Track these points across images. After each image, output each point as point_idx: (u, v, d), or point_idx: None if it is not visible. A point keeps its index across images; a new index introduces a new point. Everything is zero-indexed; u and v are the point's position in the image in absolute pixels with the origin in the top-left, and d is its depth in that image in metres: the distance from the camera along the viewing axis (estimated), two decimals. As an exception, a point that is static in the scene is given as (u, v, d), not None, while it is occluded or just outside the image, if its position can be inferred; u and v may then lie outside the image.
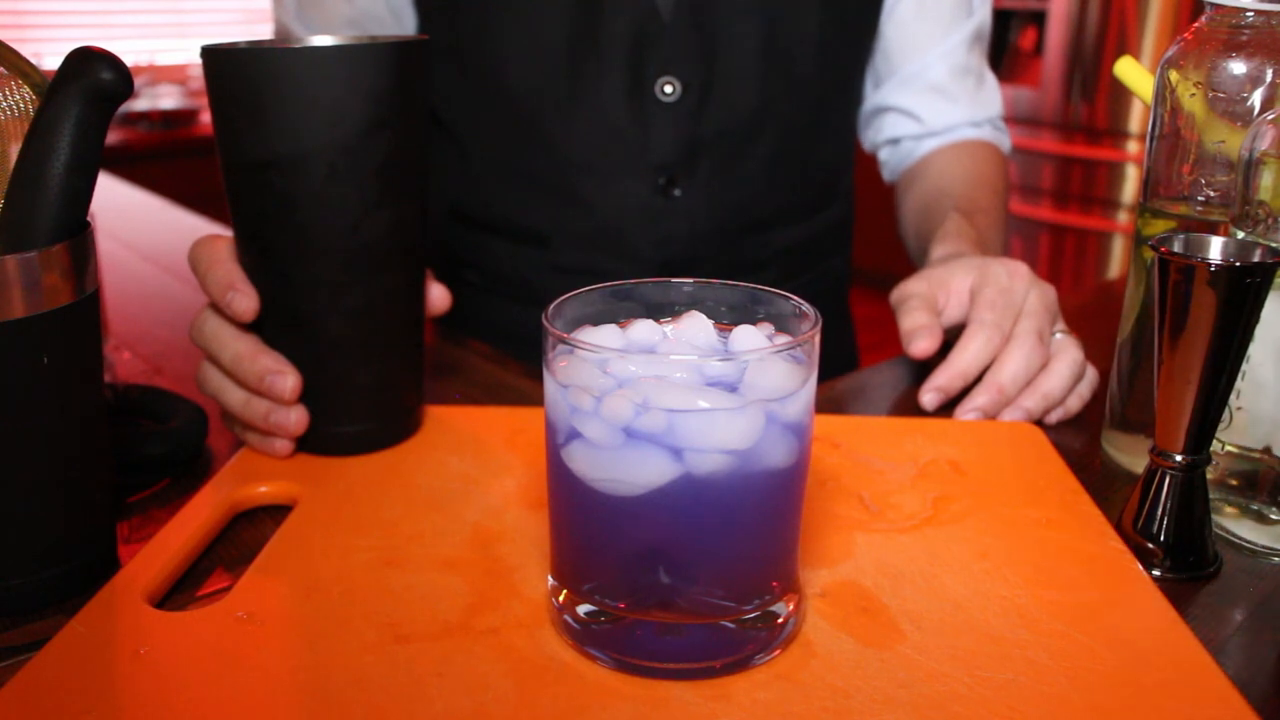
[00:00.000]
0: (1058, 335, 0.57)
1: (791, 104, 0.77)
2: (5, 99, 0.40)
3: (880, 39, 0.82)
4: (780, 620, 0.36)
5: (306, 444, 0.50)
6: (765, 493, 0.34)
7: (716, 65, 0.73)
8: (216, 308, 0.48)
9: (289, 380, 0.47)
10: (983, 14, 0.83)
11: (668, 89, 0.73)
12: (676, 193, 0.76)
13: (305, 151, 0.45)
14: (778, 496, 0.35)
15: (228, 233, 0.50)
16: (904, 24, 0.80)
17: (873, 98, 0.85)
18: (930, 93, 0.82)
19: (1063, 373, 0.55)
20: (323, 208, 0.46)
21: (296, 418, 0.48)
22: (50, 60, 0.41)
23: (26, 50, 0.40)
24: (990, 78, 0.85)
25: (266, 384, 0.47)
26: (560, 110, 0.73)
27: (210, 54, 0.45)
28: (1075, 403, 0.57)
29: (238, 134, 0.46)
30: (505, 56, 0.73)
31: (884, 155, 0.87)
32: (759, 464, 0.33)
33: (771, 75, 0.75)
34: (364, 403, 0.50)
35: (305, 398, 0.48)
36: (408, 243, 0.49)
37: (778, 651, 0.35)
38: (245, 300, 0.47)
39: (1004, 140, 0.86)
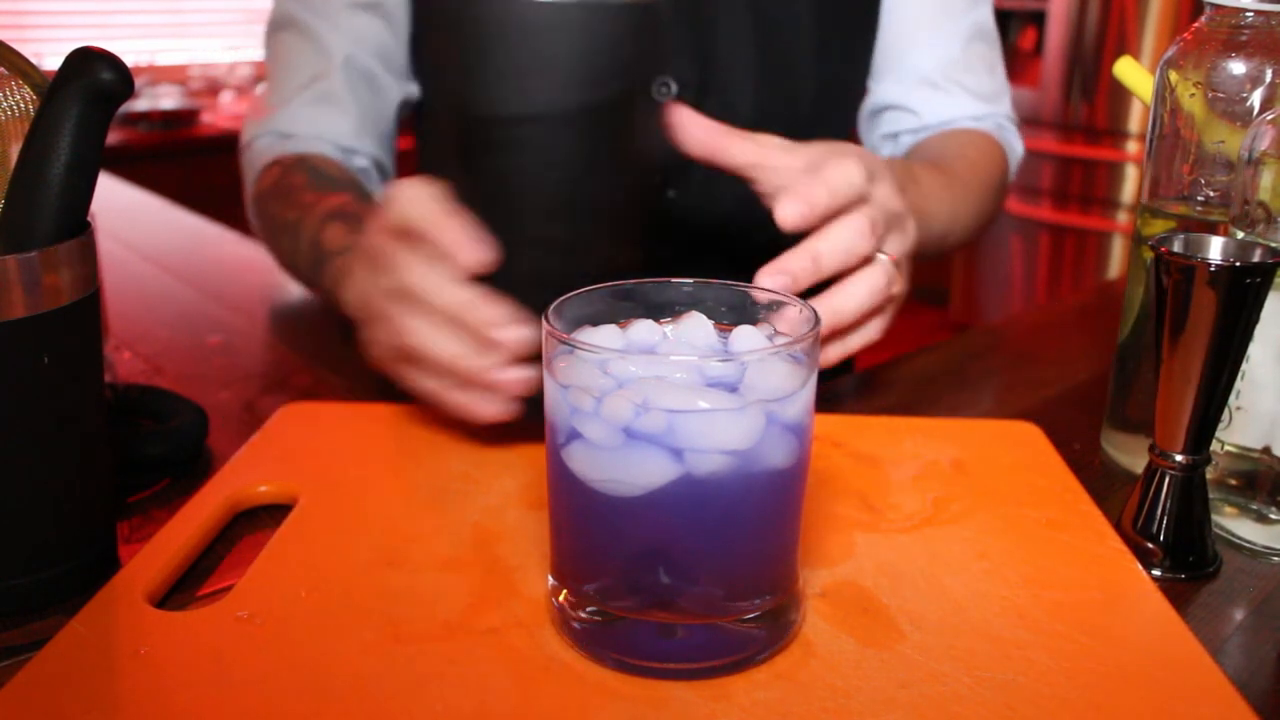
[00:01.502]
0: (880, 256, 0.52)
1: (789, 104, 0.77)
2: (6, 99, 0.40)
3: (879, 34, 0.81)
4: (780, 620, 0.36)
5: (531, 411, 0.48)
6: (766, 493, 0.34)
7: (713, 66, 0.73)
8: (428, 256, 0.45)
9: (522, 331, 0.43)
10: (981, 11, 0.82)
11: (663, 89, 0.73)
12: (671, 194, 0.76)
13: (578, 105, 0.44)
14: (778, 497, 0.35)
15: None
16: (899, 17, 0.80)
17: (872, 95, 0.84)
18: (924, 86, 0.81)
19: (857, 292, 0.50)
20: (583, 165, 0.45)
21: (521, 376, 0.44)
22: (51, 60, 0.41)
23: (27, 50, 0.40)
24: (999, 76, 0.83)
25: (496, 334, 0.43)
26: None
27: (494, 4, 0.44)
28: (856, 340, 0.52)
29: (499, 85, 0.44)
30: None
31: (885, 151, 0.87)
32: (759, 464, 0.33)
33: (768, 76, 0.75)
34: None
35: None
36: (644, 213, 0.48)
37: (778, 651, 0.35)
38: (483, 249, 0.43)
39: (1010, 139, 0.83)
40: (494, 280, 0.45)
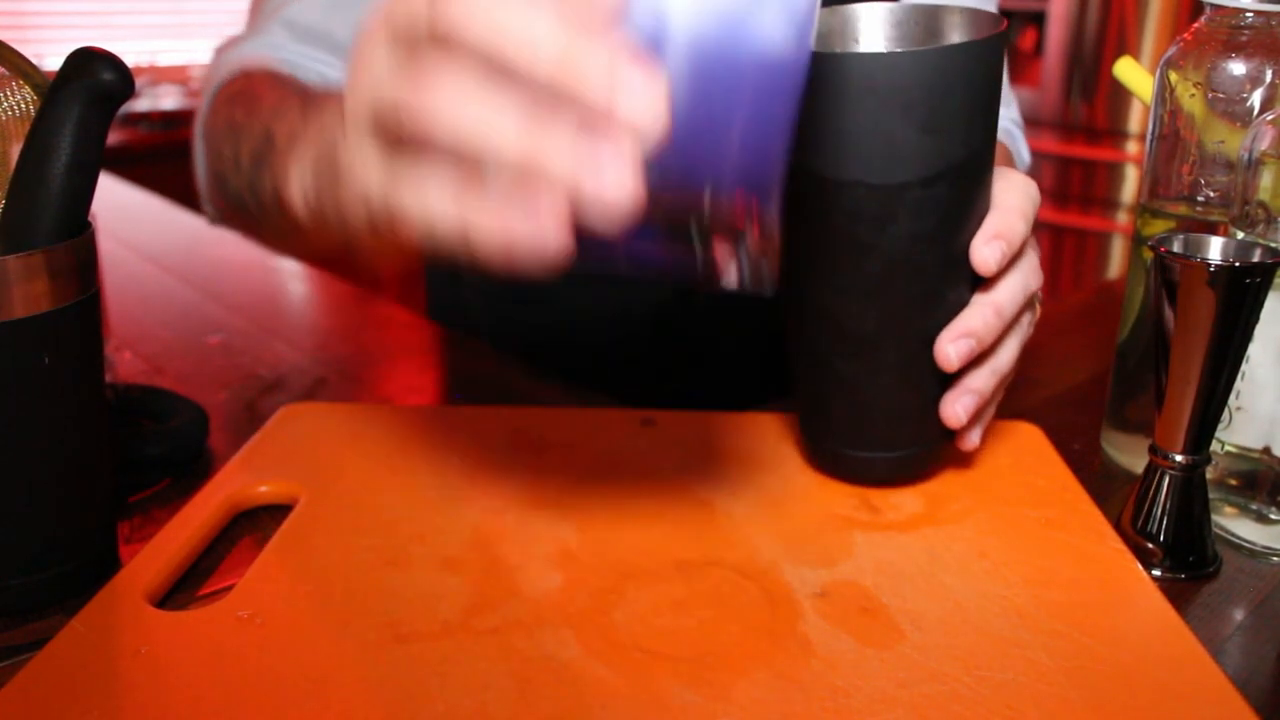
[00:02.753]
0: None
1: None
2: (6, 99, 0.40)
3: None
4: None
5: (840, 468, 0.46)
6: None
7: None
8: None
9: (656, 86, 0.25)
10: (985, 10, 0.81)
11: None
12: None
13: (976, 154, 0.40)
14: None
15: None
16: None
17: None
18: None
19: (1012, 346, 0.45)
20: (972, 215, 0.41)
21: (630, 175, 0.25)
22: (51, 61, 0.41)
23: (28, 51, 0.40)
24: (1005, 81, 0.81)
25: (624, 89, 0.25)
26: None
27: (888, 58, 0.37)
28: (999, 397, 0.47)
29: (907, 146, 0.38)
30: None
31: None
32: None
33: None
34: (903, 427, 0.45)
35: (837, 420, 0.44)
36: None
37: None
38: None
39: (1019, 146, 0.79)
40: (827, 339, 0.42)
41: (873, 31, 0.45)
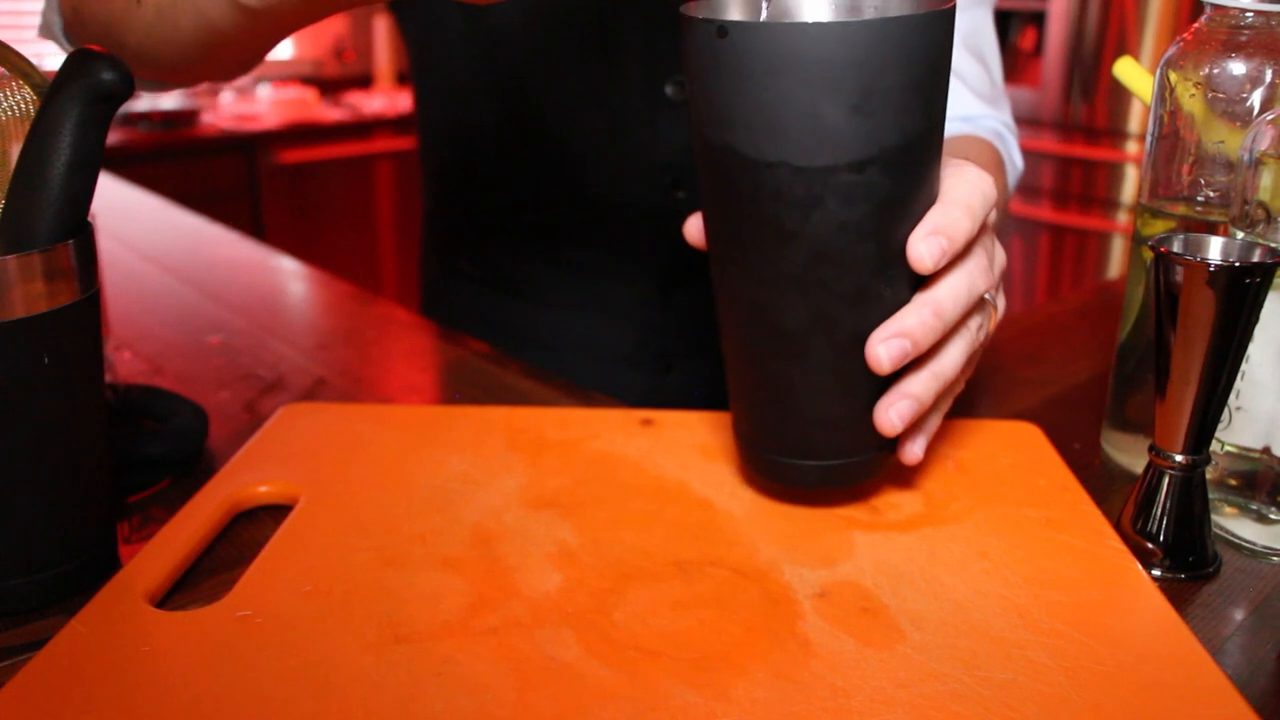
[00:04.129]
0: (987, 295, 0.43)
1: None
2: (6, 99, 0.40)
3: None
4: None
5: (772, 473, 0.44)
6: None
7: None
8: None
9: None
10: (980, 13, 0.77)
11: (672, 89, 0.72)
12: (681, 195, 0.75)
13: (915, 140, 0.37)
14: None
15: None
16: None
17: None
18: None
19: (956, 353, 0.42)
20: (910, 207, 0.38)
21: None
22: (51, 61, 0.41)
23: (27, 51, 0.40)
24: (999, 81, 0.78)
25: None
26: (570, 103, 0.73)
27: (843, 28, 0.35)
28: (946, 406, 0.45)
29: (832, 122, 0.36)
30: (516, 45, 0.72)
31: None
32: None
33: None
34: (836, 433, 0.43)
35: (768, 422, 0.42)
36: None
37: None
38: None
39: (1010, 150, 0.77)
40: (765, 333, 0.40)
41: (820, 4, 0.42)
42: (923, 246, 0.39)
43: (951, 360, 0.42)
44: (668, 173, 0.75)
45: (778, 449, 0.43)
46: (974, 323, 0.43)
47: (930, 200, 0.40)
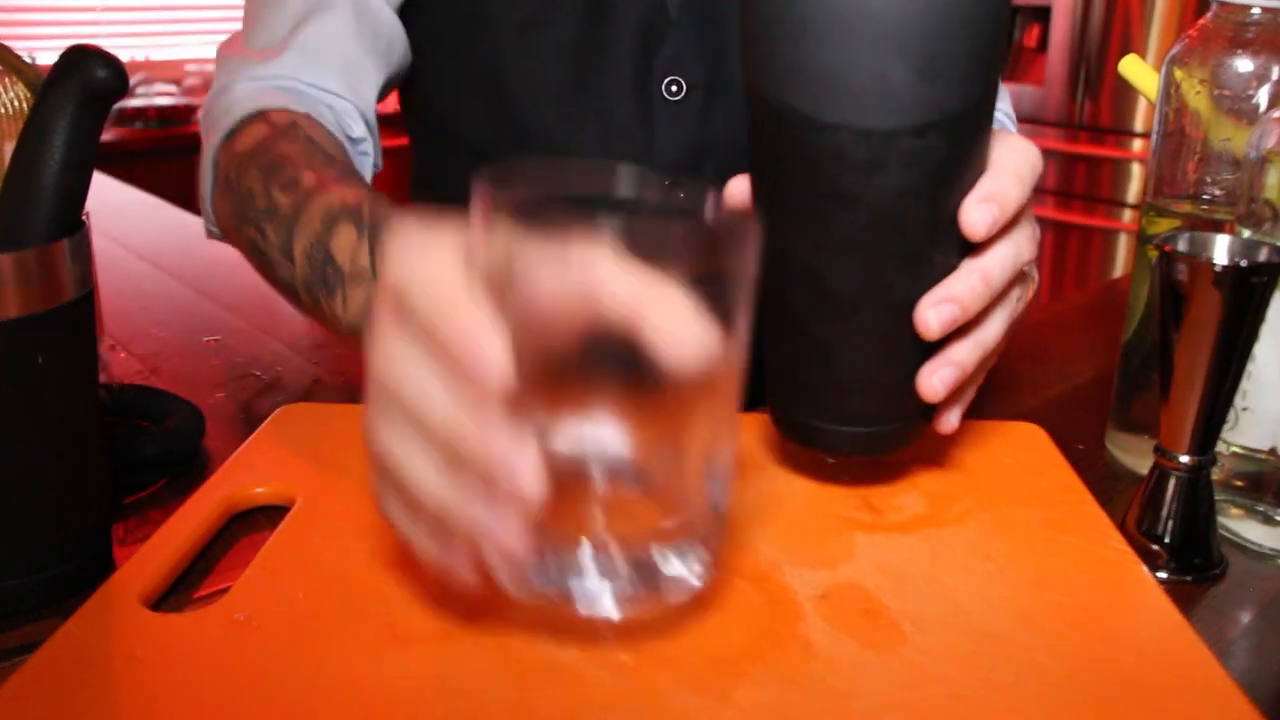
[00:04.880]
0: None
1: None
2: (-1, 97, 0.40)
3: None
4: None
5: (808, 439, 0.44)
6: None
7: (724, 66, 0.72)
8: (433, 359, 0.30)
9: (529, 463, 0.29)
10: None
11: (673, 88, 0.72)
12: (680, 196, 0.75)
13: (974, 107, 0.38)
14: None
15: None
16: None
17: None
18: None
19: (1000, 321, 0.42)
20: (965, 173, 0.38)
21: (519, 539, 0.30)
22: (45, 58, 0.40)
23: (21, 48, 0.40)
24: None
25: (508, 477, 0.29)
26: (564, 106, 0.73)
27: None
28: (982, 375, 0.45)
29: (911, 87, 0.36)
30: (506, 50, 0.72)
31: None
32: None
33: None
34: (877, 400, 0.43)
35: (809, 388, 0.41)
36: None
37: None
38: (500, 363, 0.29)
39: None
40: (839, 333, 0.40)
41: None
42: (976, 213, 0.39)
43: (995, 329, 0.42)
44: (665, 173, 0.74)
45: (818, 414, 0.43)
46: (1015, 293, 0.43)
47: (982, 168, 0.40)
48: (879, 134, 0.36)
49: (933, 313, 0.39)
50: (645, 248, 0.30)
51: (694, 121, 0.73)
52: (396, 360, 0.32)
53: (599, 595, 0.33)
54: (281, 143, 0.57)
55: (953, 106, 0.37)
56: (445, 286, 0.30)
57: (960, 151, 0.38)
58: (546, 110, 0.73)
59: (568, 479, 0.33)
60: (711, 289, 0.31)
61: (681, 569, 0.34)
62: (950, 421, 0.44)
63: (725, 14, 0.71)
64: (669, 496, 0.34)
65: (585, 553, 0.33)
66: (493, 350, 0.29)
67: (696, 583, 0.34)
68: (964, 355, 0.41)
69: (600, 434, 0.33)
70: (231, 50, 0.66)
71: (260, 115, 0.59)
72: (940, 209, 0.39)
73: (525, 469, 0.29)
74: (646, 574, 0.33)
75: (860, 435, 0.43)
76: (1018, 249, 0.41)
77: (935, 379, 0.41)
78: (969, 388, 0.44)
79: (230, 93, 0.63)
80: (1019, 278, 0.43)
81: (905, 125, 0.36)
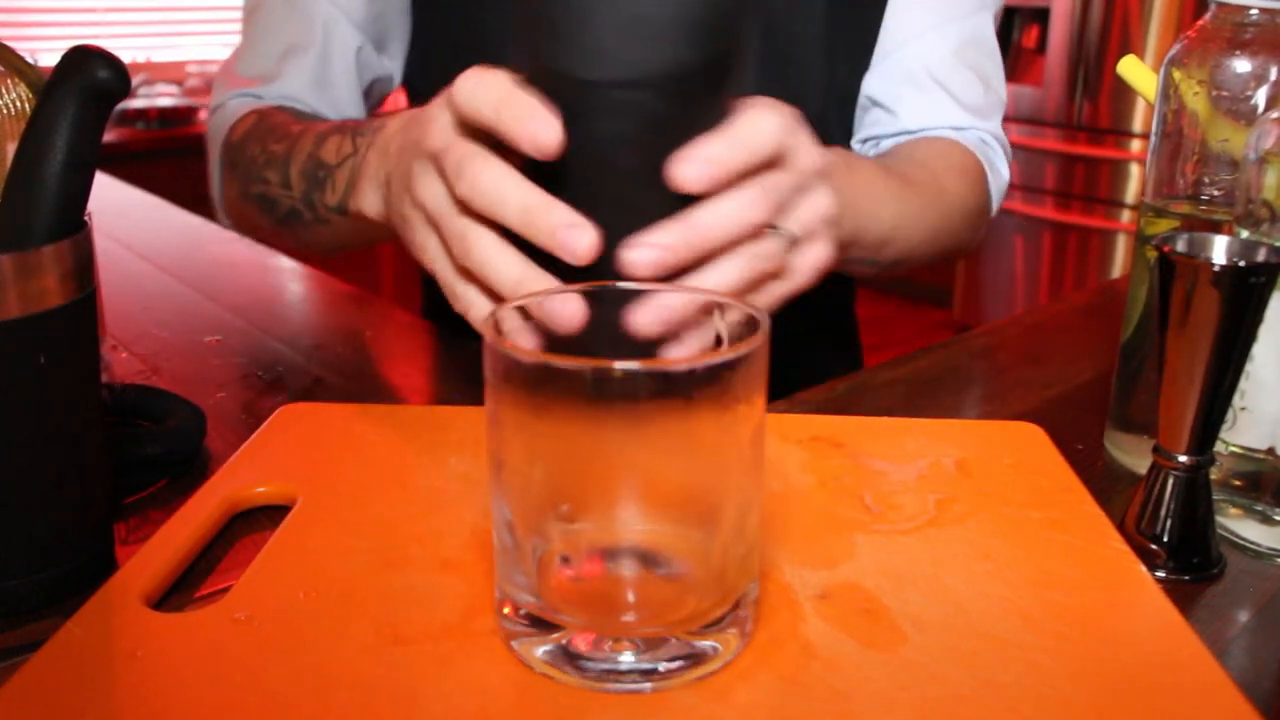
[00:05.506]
0: (780, 230, 0.44)
1: (796, 107, 0.74)
2: (2, 97, 0.40)
3: (881, 26, 0.75)
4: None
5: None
6: None
7: None
8: (483, 150, 0.41)
9: (587, 236, 0.39)
10: (982, 18, 0.76)
11: None
12: None
13: (695, 72, 0.40)
14: None
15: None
16: (901, 8, 0.74)
17: (862, 88, 0.77)
18: (907, 84, 0.74)
19: (730, 270, 0.42)
20: (684, 132, 0.40)
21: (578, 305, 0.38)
22: (47, 58, 0.41)
23: (23, 48, 0.40)
24: (994, 92, 0.76)
25: (560, 240, 0.39)
26: None
27: None
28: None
29: (603, 44, 0.39)
30: (490, 40, 0.72)
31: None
32: None
33: (770, 75, 0.72)
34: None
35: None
36: None
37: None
38: (553, 126, 0.38)
39: (993, 159, 0.76)
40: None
41: None
42: (682, 168, 0.40)
43: (719, 279, 0.42)
44: None
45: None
46: (758, 250, 0.43)
47: (710, 128, 0.41)
48: (587, 83, 0.39)
49: (635, 252, 0.40)
50: None
51: None
52: (470, 172, 0.40)
53: (631, 678, 0.33)
54: (272, 116, 0.65)
55: (656, 67, 0.39)
56: (505, 94, 0.39)
57: (675, 110, 0.40)
58: None
59: (598, 569, 0.34)
60: None
61: (715, 644, 0.34)
62: (674, 352, 0.42)
63: None
64: (701, 576, 0.34)
65: (619, 644, 0.34)
66: (552, 133, 0.38)
67: (730, 655, 0.35)
68: (671, 299, 0.41)
69: (628, 522, 0.33)
70: (225, 75, 0.76)
71: (251, 111, 0.68)
72: (653, 160, 0.40)
73: (579, 231, 0.38)
74: (680, 653, 0.34)
75: None
76: (743, 206, 0.42)
77: (635, 253, 0.40)
78: (687, 332, 0.42)
79: (225, 108, 0.72)
80: (759, 236, 0.43)
81: (608, 78, 0.39)
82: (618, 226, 0.40)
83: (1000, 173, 0.77)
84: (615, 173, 0.41)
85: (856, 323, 0.94)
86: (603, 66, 0.39)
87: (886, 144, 0.77)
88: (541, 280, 0.41)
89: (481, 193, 0.40)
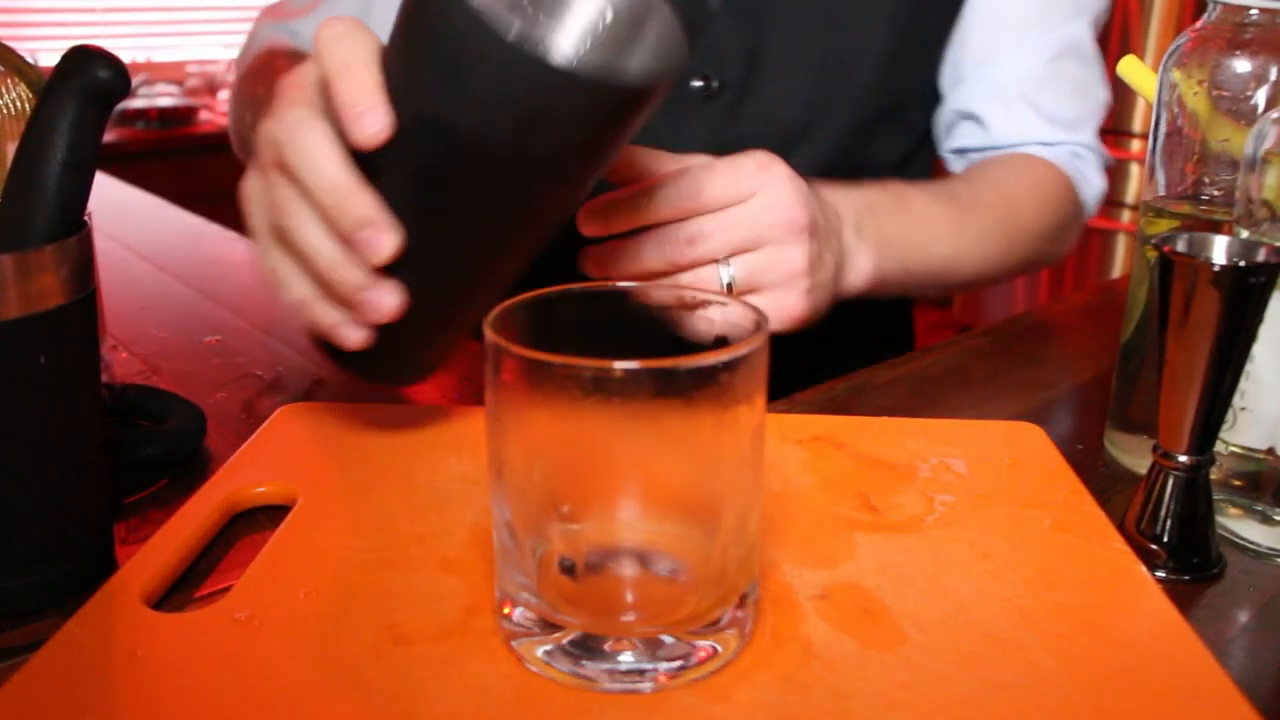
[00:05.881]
0: (723, 269, 0.49)
1: (846, 113, 0.71)
2: (2, 97, 0.40)
3: (964, 36, 0.73)
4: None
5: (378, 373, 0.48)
6: None
7: (760, 65, 0.69)
8: (321, 117, 0.39)
9: (389, 240, 0.37)
10: (1078, 25, 0.74)
11: (700, 83, 0.69)
12: None
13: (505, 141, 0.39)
14: None
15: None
16: (986, 20, 0.72)
17: (949, 101, 0.76)
18: (997, 100, 0.73)
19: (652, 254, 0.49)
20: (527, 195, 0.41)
21: (391, 299, 0.39)
22: (47, 58, 0.41)
23: (23, 48, 0.40)
24: (1091, 100, 0.76)
25: (361, 237, 0.38)
26: None
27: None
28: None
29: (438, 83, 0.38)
30: None
31: (955, 168, 0.79)
32: None
33: (824, 83, 0.70)
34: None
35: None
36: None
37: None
38: (380, 119, 0.37)
39: (1085, 170, 0.75)
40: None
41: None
42: (583, 217, 0.48)
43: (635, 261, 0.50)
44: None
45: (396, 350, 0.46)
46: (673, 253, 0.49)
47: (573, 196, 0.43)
48: (419, 97, 0.38)
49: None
50: None
51: (720, 121, 0.70)
52: (292, 124, 0.39)
53: (631, 678, 0.34)
54: (278, 58, 0.66)
55: (467, 130, 0.38)
56: (351, 55, 0.37)
57: (472, 170, 0.39)
58: None
59: (599, 570, 0.34)
60: None
61: (715, 644, 0.34)
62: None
63: (769, 14, 0.68)
64: (701, 576, 0.34)
65: (619, 643, 0.34)
66: (378, 122, 0.36)
67: (730, 655, 0.35)
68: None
69: (628, 523, 0.34)
70: (270, 7, 0.77)
71: (269, 49, 0.69)
72: (463, 194, 0.40)
73: (381, 233, 0.38)
74: (680, 653, 0.34)
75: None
76: (657, 244, 0.49)
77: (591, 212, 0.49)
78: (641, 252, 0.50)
79: (255, 38, 0.74)
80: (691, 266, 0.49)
81: (431, 111, 0.38)
82: (421, 238, 0.40)
83: (1093, 182, 0.77)
84: (428, 192, 0.40)
85: (913, 340, 0.92)
86: (435, 96, 0.38)
87: (975, 157, 0.76)
88: (355, 271, 0.39)
89: (300, 162, 0.38)
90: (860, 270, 0.58)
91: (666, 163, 0.51)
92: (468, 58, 0.37)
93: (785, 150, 0.73)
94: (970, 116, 0.75)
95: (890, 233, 0.60)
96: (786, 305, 0.51)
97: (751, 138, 0.72)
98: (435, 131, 0.39)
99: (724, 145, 0.72)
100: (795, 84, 0.70)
